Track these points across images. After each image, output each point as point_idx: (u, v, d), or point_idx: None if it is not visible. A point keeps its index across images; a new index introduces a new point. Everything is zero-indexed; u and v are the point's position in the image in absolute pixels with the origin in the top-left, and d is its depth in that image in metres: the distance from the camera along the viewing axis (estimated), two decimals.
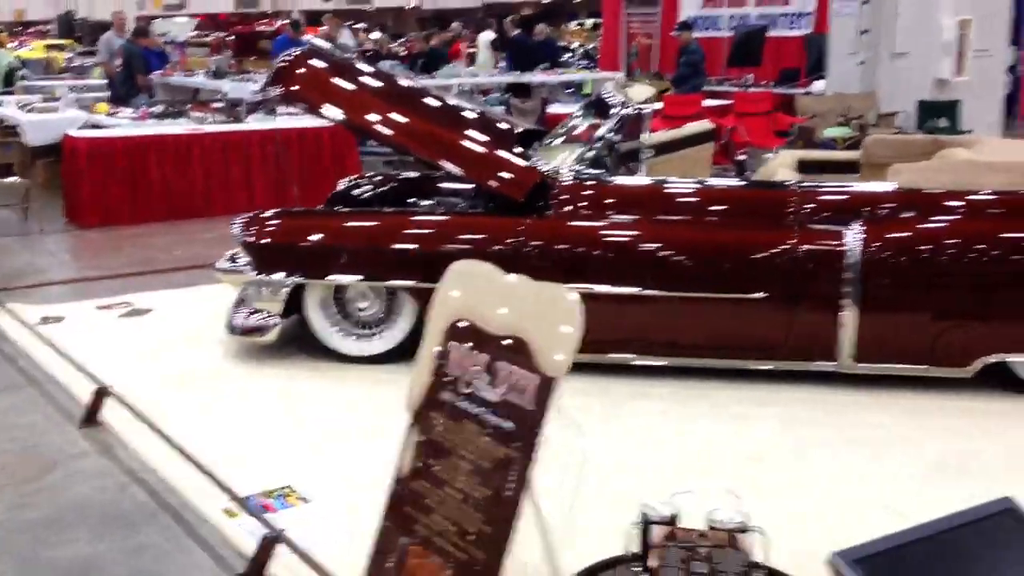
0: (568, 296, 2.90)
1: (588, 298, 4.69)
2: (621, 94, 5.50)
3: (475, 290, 3.16)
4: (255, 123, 10.35)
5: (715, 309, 5.03)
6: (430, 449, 3.16)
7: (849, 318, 4.86)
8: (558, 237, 5.11)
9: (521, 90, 13.32)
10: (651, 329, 5.14)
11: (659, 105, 11.54)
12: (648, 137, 6.30)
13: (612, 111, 5.36)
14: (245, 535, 3.63)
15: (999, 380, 4.93)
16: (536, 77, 14.31)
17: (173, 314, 6.44)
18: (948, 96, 11.93)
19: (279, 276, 5.37)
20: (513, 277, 3.09)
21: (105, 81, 14.20)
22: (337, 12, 51.12)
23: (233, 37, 21.34)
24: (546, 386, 2.89)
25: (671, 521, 2.53)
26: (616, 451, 4.25)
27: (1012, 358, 4.86)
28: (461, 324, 3.14)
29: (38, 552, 3.60)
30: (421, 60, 15.70)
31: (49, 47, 27.51)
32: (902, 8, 12.06)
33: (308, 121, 10.21)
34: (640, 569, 2.52)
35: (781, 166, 6.07)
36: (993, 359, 4.85)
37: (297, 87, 5.75)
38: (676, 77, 13.65)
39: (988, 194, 4.93)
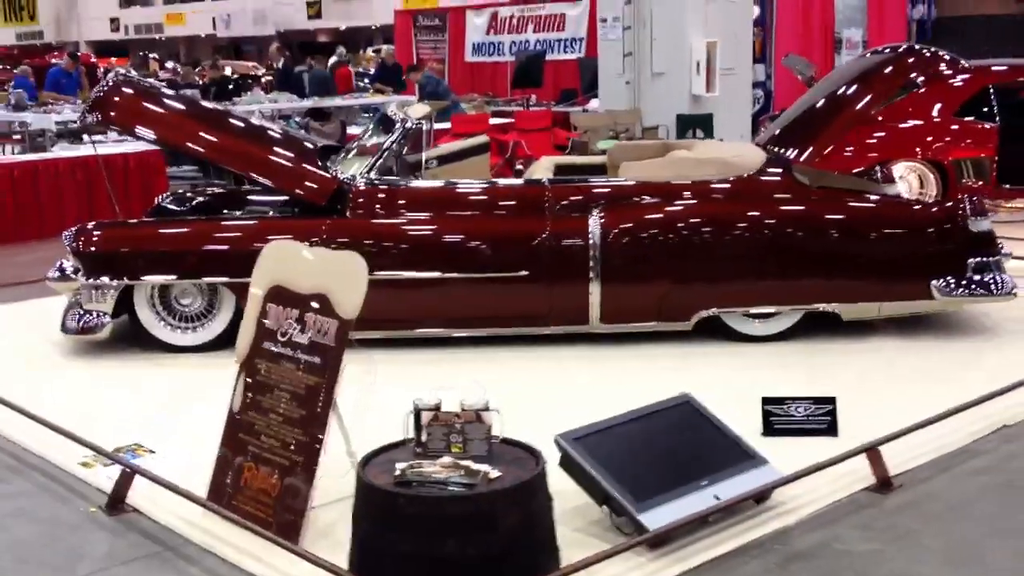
0: (356, 259, 3.85)
1: (386, 284, 5.77)
2: (402, 112, 6.49)
3: (285, 262, 4.09)
4: (61, 151, 10.85)
5: (490, 287, 6.06)
6: (256, 387, 4.06)
7: (595, 288, 6.00)
8: (355, 234, 6.05)
9: (320, 115, 14.19)
10: (440, 307, 6.12)
11: (446, 125, 12.68)
12: (432, 149, 7.38)
13: (395, 127, 6.35)
14: (103, 479, 4.40)
15: (714, 330, 6.18)
16: (334, 101, 15.20)
17: (5, 325, 7.02)
18: (703, 110, 13.41)
19: (107, 279, 6.10)
20: (313, 249, 4.04)
21: None
22: (128, 41, 50.14)
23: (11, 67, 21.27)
24: (344, 327, 3.85)
25: (436, 408, 3.51)
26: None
27: (722, 311, 6.11)
28: (276, 289, 4.07)
29: None
30: (213, 88, 16.35)
31: None
32: (657, 32, 13.51)
33: (115, 148, 10.81)
34: (414, 444, 3.50)
35: (541, 170, 7.20)
36: (707, 313, 6.09)
37: (114, 113, 6.50)
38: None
39: (696, 182, 6.17)
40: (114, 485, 4.21)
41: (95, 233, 6.17)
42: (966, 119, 9.38)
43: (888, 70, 6.67)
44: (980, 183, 9.39)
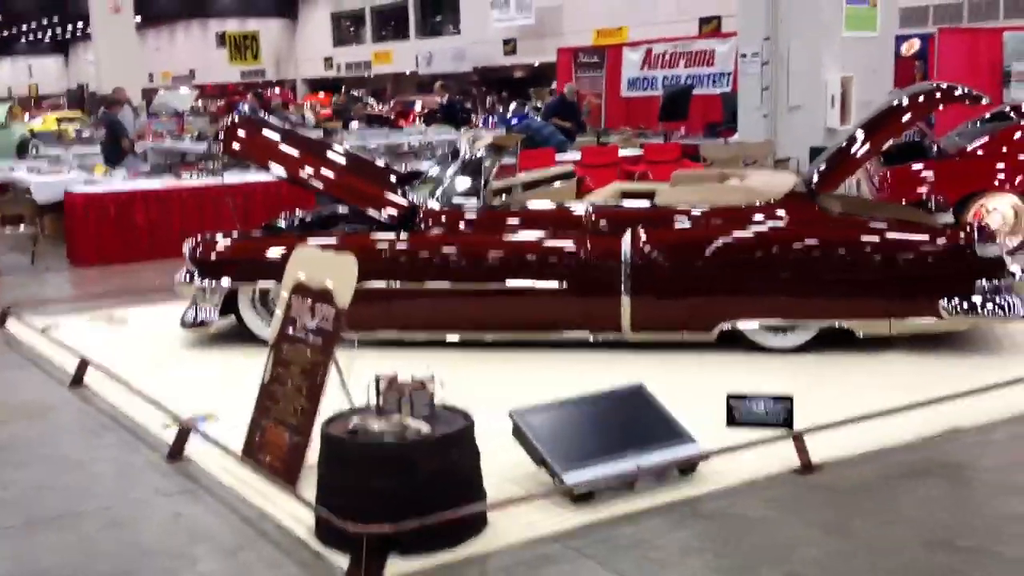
0: (350, 260, 4.76)
1: (441, 293, 6.64)
2: (468, 144, 7.41)
3: (306, 263, 5.06)
4: (228, 178, 12.31)
5: (534, 296, 6.88)
6: (279, 363, 5.04)
7: (625, 300, 6.72)
8: (421, 248, 6.99)
9: None
10: (488, 312, 6.98)
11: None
12: (519, 176, 8.28)
13: (459, 156, 7.28)
14: (174, 437, 5.47)
15: (737, 342, 6.78)
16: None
17: (146, 322, 8.33)
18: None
19: (217, 283, 7.25)
20: (325, 252, 5.01)
21: None
22: (337, 79, 53.18)
23: (223, 102, 23.63)
24: (339, 314, 4.77)
25: (392, 378, 4.37)
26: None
27: (742, 324, 6.71)
28: (298, 284, 5.04)
29: (43, 445, 5.53)
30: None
31: (60, 120, 29.85)
32: (794, 67, 14.03)
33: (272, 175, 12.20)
34: (373, 407, 4.36)
35: (606, 195, 7.97)
36: (728, 326, 6.71)
37: (234, 146, 7.70)
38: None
39: (721, 207, 6.81)
40: (174, 440, 5.28)
41: (207, 244, 7.36)
42: None
43: (899, 108, 7.08)
44: None
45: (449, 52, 46.55)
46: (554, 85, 20.09)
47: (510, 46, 43.86)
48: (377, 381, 4.38)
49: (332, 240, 7.12)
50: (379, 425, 4.16)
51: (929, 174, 10.14)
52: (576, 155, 14.27)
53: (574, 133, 16.97)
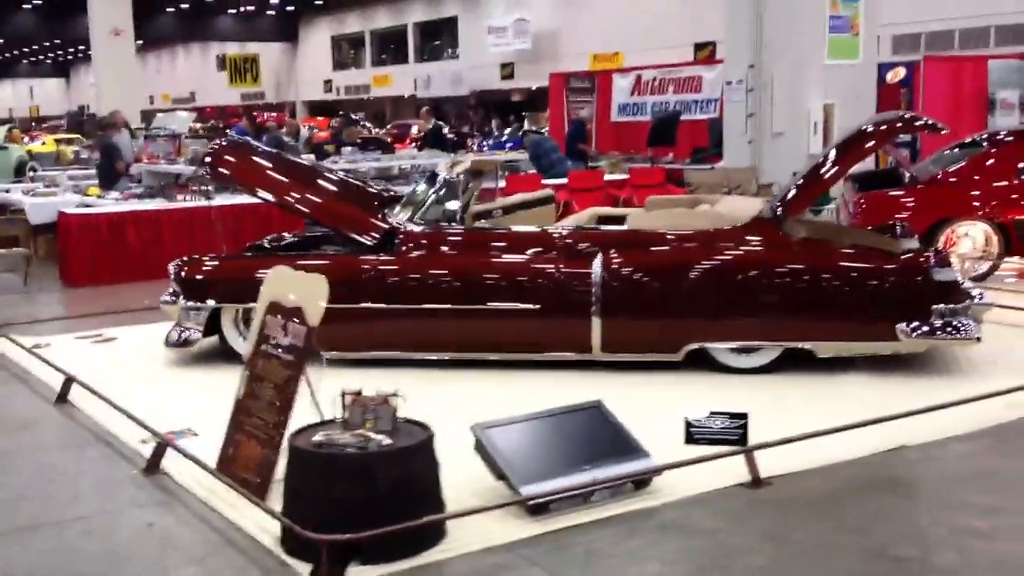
0: (320, 281, 4.97)
1: (423, 313, 6.84)
2: (447, 168, 7.65)
3: (279, 283, 5.27)
4: (219, 200, 12.55)
5: (507, 317, 7.08)
6: (254, 379, 5.24)
7: (596, 321, 6.93)
8: (400, 270, 7.20)
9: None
10: (465, 333, 7.18)
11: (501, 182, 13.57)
12: (498, 200, 8.51)
13: (438, 180, 7.51)
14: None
15: (703, 362, 6.98)
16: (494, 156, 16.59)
17: (133, 340, 8.54)
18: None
19: (201, 303, 7.46)
20: (297, 273, 5.22)
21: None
22: (337, 102, 53.53)
23: (207, 124, 23.93)
24: (310, 332, 4.98)
25: (357, 392, 4.57)
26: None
27: (708, 344, 6.92)
28: (273, 304, 5.25)
29: (25, 458, 5.72)
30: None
31: (59, 141, 30.20)
32: (777, 94, 14.31)
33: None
34: (340, 420, 4.57)
35: (583, 218, 8.20)
36: (695, 346, 6.92)
37: (223, 170, 7.93)
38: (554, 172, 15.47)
39: (687, 232, 7.03)
40: (151, 454, 5.48)
41: (191, 265, 7.57)
42: None
43: (860, 136, 7.31)
44: None
45: (447, 76, 46.99)
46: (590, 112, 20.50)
47: (507, 70, 44.27)
48: (343, 396, 4.59)
49: (316, 261, 7.34)
50: (343, 437, 4.37)
51: (903, 200, 10.39)
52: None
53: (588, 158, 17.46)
